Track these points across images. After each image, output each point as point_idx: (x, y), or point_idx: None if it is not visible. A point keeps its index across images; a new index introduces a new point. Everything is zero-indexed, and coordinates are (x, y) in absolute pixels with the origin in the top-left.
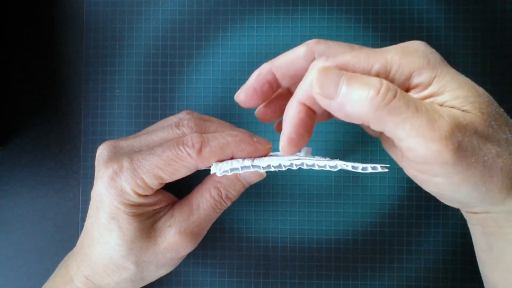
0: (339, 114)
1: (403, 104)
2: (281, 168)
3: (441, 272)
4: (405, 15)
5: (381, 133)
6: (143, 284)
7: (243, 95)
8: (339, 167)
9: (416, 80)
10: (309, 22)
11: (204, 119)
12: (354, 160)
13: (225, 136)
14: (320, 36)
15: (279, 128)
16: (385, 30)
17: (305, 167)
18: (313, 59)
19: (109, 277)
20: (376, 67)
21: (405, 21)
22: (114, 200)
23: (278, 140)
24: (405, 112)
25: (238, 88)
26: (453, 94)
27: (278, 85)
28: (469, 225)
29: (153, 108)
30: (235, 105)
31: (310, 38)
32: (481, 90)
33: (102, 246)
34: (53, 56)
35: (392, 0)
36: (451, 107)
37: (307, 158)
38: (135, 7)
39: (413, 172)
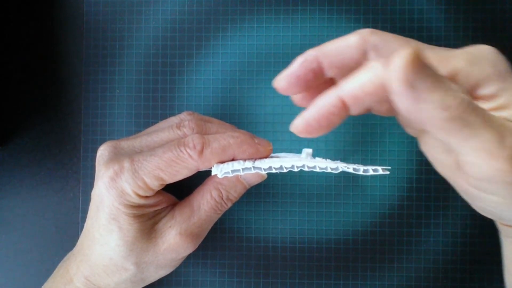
0: (402, 111)
1: (477, 117)
2: (283, 170)
3: (441, 272)
4: (405, 15)
5: (423, 135)
6: (143, 285)
7: (284, 82)
8: (340, 169)
9: (482, 91)
10: (309, 22)
11: (205, 120)
12: (354, 161)
13: (226, 137)
14: (320, 36)
15: (300, 101)
16: (385, 30)
17: (306, 169)
18: (365, 50)
19: (109, 278)
20: (442, 73)
21: (405, 21)
22: (115, 201)
23: (279, 141)
24: (477, 126)
25: (238, 88)
26: None
27: (323, 74)
28: (502, 237)
29: (153, 108)
30: (235, 105)
31: (310, 38)
32: None
33: (102, 246)
34: (53, 56)
35: (392, 0)
36: None
37: (308, 159)
38: (135, 7)
39: (466, 187)
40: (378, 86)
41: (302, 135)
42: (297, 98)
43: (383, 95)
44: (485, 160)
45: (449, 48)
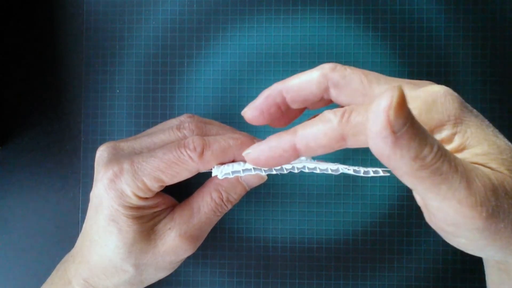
0: (374, 152)
1: (448, 164)
2: (283, 171)
3: (441, 272)
4: (405, 15)
5: None
6: (142, 287)
7: (250, 114)
8: (341, 171)
9: (436, 137)
10: (309, 22)
11: (205, 122)
12: (354, 161)
13: (227, 139)
14: (320, 36)
15: (272, 123)
16: (385, 30)
17: (306, 170)
18: (326, 87)
19: (108, 280)
20: None
21: (405, 21)
22: (114, 203)
23: None
24: (447, 174)
25: (238, 88)
26: (475, 151)
27: (287, 107)
28: (484, 261)
29: (153, 108)
30: (235, 105)
31: (310, 38)
32: (502, 144)
33: (101, 248)
34: (53, 56)
35: (392, 0)
36: (474, 163)
37: (308, 161)
38: (135, 7)
39: (436, 227)
40: (332, 138)
41: (250, 164)
42: (265, 122)
43: (336, 147)
44: (454, 207)
45: (402, 81)
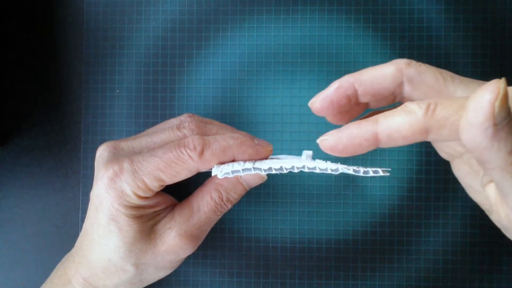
0: (469, 145)
1: None
2: (283, 171)
3: (441, 272)
4: (405, 15)
5: (456, 160)
6: (142, 286)
7: (319, 105)
8: (341, 171)
9: None
10: (309, 22)
11: (205, 121)
12: (354, 161)
13: (227, 138)
14: (320, 36)
15: (332, 119)
16: (385, 30)
17: (306, 170)
18: (401, 82)
19: (108, 279)
20: None
21: (405, 21)
22: (114, 202)
23: (279, 141)
24: None
25: (238, 88)
26: None
27: (357, 100)
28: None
29: (153, 108)
30: (235, 105)
31: (310, 38)
32: None
33: (102, 247)
34: (53, 56)
35: (392, 0)
36: None
37: (308, 161)
38: (135, 7)
39: (506, 220)
40: (415, 130)
41: (326, 151)
42: (329, 116)
43: (418, 139)
44: None
45: (477, 82)
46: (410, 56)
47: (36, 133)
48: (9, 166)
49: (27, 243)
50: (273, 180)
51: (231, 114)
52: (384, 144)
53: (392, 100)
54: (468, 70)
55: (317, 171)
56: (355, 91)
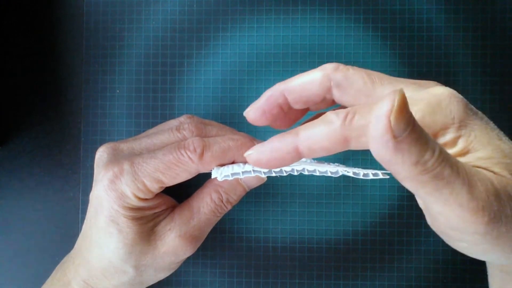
0: (376, 156)
1: (450, 169)
2: (282, 173)
3: (441, 272)
4: (405, 15)
5: None
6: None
7: (252, 115)
8: (340, 173)
9: (442, 139)
10: (309, 22)
11: (205, 123)
12: (354, 160)
13: (226, 140)
14: (320, 36)
15: (274, 125)
16: (385, 30)
17: (306, 172)
18: (328, 88)
19: (108, 281)
20: None
21: (405, 21)
22: (114, 203)
23: None
24: (449, 178)
25: (238, 88)
26: (478, 155)
27: (289, 107)
28: (487, 263)
29: (153, 108)
30: (235, 105)
31: (310, 38)
32: (506, 148)
33: (101, 249)
34: (53, 56)
35: (392, 0)
36: (477, 167)
37: (308, 163)
38: (135, 7)
39: (437, 230)
40: (334, 140)
41: (253, 165)
42: (268, 124)
43: (338, 149)
44: (456, 212)
45: (407, 82)
46: (410, 56)
47: (36, 133)
48: (9, 166)
49: (27, 243)
50: (273, 180)
51: (231, 114)
52: (307, 156)
53: (331, 103)
54: (468, 70)
55: (317, 173)
56: (286, 99)
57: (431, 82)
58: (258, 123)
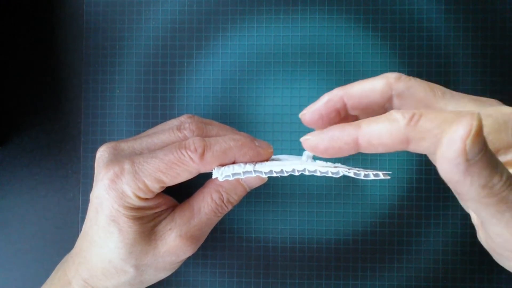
0: (443, 176)
1: None
2: (283, 174)
3: (441, 272)
4: (405, 15)
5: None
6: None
7: (309, 117)
8: (341, 174)
9: (502, 158)
10: (309, 22)
11: (206, 122)
12: (354, 160)
13: (227, 140)
14: (320, 36)
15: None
16: (385, 30)
17: (307, 173)
18: (390, 96)
19: (108, 281)
20: None
21: (405, 21)
22: (115, 203)
23: (279, 141)
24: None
25: (238, 88)
26: None
27: (346, 113)
28: None
29: (153, 108)
30: (235, 105)
31: (310, 38)
32: None
33: (102, 249)
34: (53, 56)
35: (392, 0)
36: None
37: (309, 163)
38: (135, 7)
39: (490, 249)
40: (396, 139)
41: (308, 150)
42: (319, 128)
43: (398, 148)
44: None
45: (469, 97)
46: (410, 56)
47: (36, 133)
48: (9, 166)
49: (27, 243)
50: (273, 180)
51: (231, 114)
52: (364, 149)
53: (383, 113)
54: (468, 70)
55: (318, 174)
56: (345, 105)
57: (494, 100)
58: (313, 126)
